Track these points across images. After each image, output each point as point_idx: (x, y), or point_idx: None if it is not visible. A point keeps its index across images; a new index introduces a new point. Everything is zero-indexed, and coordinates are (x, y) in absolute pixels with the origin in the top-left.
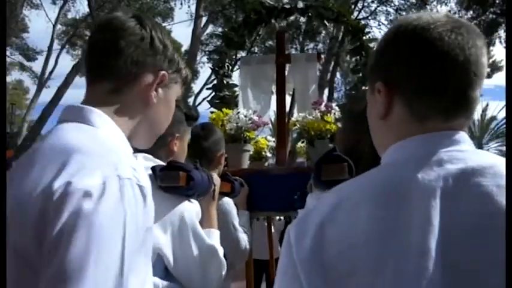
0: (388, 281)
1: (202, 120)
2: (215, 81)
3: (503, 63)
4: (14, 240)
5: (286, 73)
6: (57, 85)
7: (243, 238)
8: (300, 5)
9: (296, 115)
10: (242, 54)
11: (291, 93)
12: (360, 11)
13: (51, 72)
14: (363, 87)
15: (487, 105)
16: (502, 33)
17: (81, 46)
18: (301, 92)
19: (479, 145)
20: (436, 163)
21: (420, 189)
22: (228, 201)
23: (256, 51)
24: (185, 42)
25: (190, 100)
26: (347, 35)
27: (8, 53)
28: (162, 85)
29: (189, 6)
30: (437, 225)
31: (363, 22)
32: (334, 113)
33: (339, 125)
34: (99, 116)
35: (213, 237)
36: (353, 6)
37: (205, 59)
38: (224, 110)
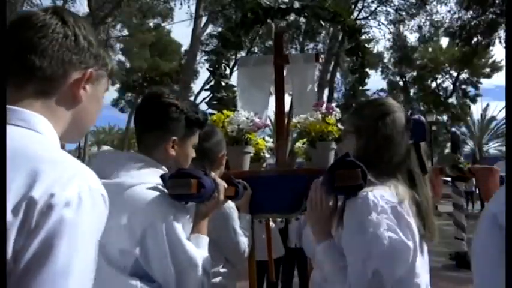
0: None
1: None
2: (212, 83)
3: (503, 63)
4: None
5: (284, 74)
6: None
7: (243, 241)
8: (296, 5)
9: (297, 116)
10: (242, 54)
11: (291, 93)
12: (359, 11)
13: None
14: (360, 88)
15: (487, 105)
16: (502, 33)
17: None
18: (299, 92)
19: (479, 145)
20: None
21: None
22: (229, 205)
23: (256, 51)
24: (185, 42)
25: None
26: (344, 35)
27: None
28: (90, 82)
29: (188, 6)
30: None
31: (359, 22)
32: (335, 115)
33: (340, 126)
34: (41, 121)
35: (200, 244)
36: (353, 6)
37: (205, 58)
38: (225, 111)
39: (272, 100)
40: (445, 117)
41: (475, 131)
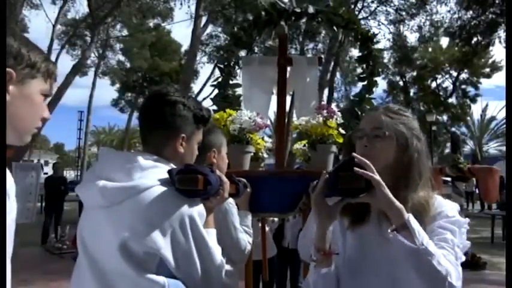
0: None
1: None
2: (220, 79)
3: (503, 63)
4: None
5: (287, 75)
6: (57, 85)
7: (243, 238)
8: (311, 9)
9: (297, 118)
10: (241, 53)
11: (291, 93)
12: (359, 11)
13: None
14: (367, 95)
15: (487, 105)
16: (501, 33)
17: (81, 46)
18: (301, 95)
19: (479, 145)
20: None
21: None
22: (228, 201)
23: (256, 51)
24: (185, 42)
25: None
26: (355, 42)
27: None
28: (14, 82)
29: (188, 7)
30: None
31: (372, 27)
32: (336, 118)
33: (341, 130)
34: None
35: (211, 237)
36: (353, 6)
37: (205, 59)
38: (228, 110)
39: (273, 100)
40: (445, 117)
41: (475, 131)
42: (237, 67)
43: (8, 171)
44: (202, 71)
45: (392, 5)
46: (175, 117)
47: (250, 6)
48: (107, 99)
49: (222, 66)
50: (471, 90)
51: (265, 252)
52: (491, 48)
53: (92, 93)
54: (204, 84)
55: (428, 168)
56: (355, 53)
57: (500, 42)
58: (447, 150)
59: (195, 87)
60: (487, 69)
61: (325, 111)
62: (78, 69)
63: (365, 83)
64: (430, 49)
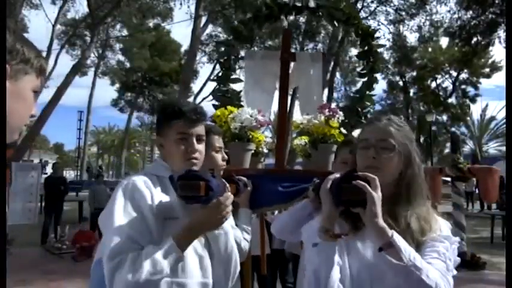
0: None
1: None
2: (220, 73)
3: (503, 63)
4: None
5: (290, 71)
6: (57, 85)
7: (238, 236)
8: (312, 4)
9: (299, 116)
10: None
11: (292, 91)
12: (359, 11)
13: (50, 72)
14: (367, 92)
15: (487, 105)
16: (501, 33)
17: (80, 46)
18: (305, 91)
19: (479, 145)
20: None
21: None
22: None
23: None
24: (185, 42)
25: (190, 100)
26: (356, 37)
27: None
28: (7, 77)
29: (188, 7)
30: None
31: (374, 27)
32: (338, 118)
33: (342, 130)
34: None
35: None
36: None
37: (205, 59)
38: (229, 107)
39: (275, 97)
40: (444, 117)
41: (475, 131)
42: (237, 62)
43: None
44: (202, 70)
45: (392, 5)
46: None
47: (250, 6)
48: (107, 99)
49: (222, 60)
50: (471, 90)
51: (263, 247)
52: (491, 48)
53: (92, 93)
54: (204, 84)
55: (426, 183)
56: (354, 52)
57: (500, 42)
58: (447, 150)
59: (195, 87)
60: (487, 69)
61: (327, 110)
62: (78, 69)
63: (365, 79)
64: (429, 49)
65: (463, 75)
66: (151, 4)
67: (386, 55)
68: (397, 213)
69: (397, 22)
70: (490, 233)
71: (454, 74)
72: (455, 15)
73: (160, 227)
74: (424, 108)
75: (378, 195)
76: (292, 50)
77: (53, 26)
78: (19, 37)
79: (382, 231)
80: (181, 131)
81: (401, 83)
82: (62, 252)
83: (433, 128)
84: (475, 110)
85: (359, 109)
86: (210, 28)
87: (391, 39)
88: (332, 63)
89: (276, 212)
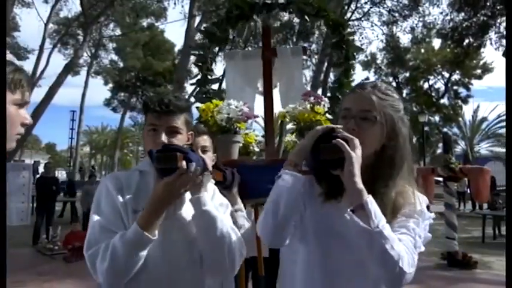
0: None
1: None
2: (199, 76)
3: (494, 64)
4: None
5: (272, 68)
6: (49, 84)
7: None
8: (281, 0)
9: (280, 109)
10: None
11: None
12: (353, 12)
13: (42, 72)
14: (346, 80)
15: (478, 106)
16: (492, 35)
17: (73, 45)
18: (286, 84)
19: (471, 145)
20: None
21: None
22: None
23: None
24: (178, 42)
25: (176, 93)
26: (328, 29)
27: None
28: None
29: (182, 6)
30: None
31: (344, 18)
32: (324, 105)
33: (328, 116)
34: None
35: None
36: (346, 7)
37: (191, 53)
38: (214, 101)
39: (258, 95)
40: (437, 118)
41: (467, 132)
42: (214, 63)
43: None
44: (196, 70)
45: (385, 6)
46: None
47: (235, 1)
48: (100, 99)
49: (200, 64)
50: (463, 91)
51: (259, 247)
52: (482, 50)
53: (85, 92)
54: (198, 83)
55: (411, 155)
56: None
57: (491, 44)
58: (439, 151)
59: (189, 86)
60: (479, 71)
61: (312, 97)
62: (70, 68)
63: (342, 68)
64: (422, 50)
65: (455, 77)
66: (145, 3)
67: (379, 56)
68: (376, 185)
69: (390, 23)
70: (481, 233)
71: (446, 75)
72: (448, 17)
73: (132, 219)
74: (417, 108)
75: (356, 155)
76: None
77: (45, 24)
78: None
79: (358, 191)
80: (150, 122)
81: (394, 83)
82: (54, 253)
83: (426, 128)
84: (467, 110)
85: (339, 97)
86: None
87: (384, 40)
88: (326, 63)
89: None
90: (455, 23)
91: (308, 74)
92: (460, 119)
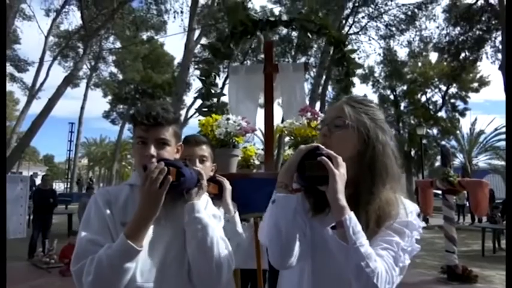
0: None
1: (193, 129)
2: (202, 90)
3: (491, 78)
4: None
5: (274, 83)
6: (48, 96)
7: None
8: (284, 17)
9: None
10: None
11: (280, 101)
12: (350, 26)
13: (42, 83)
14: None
15: (476, 119)
16: (488, 49)
17: (73, 58)
18: (288, 100)
19: (469, 158)
20: None
21: None
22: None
23: (249, 64)
24: (178, 55)
25: (182, 113)
26: (329, 46)
27: None
28: None
29: (182, 20)
30: None
31: (344, 33)
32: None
33: None
34: None
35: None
36: (344, 21)
37: (197, 71)
38: (213, 115)
39: (260, 109)
40: (434, 131)
41: (464, 145)
42: (218, 78)
43: None
44: (195, 83)
45: (382, 20)
46: None
47: (240, 18)
48: (99, 111)
49: (203, 78)
50: (460, 104)
51: (259, 259)
52: (478, 63)
53: (84, 104)
54: (197, 96)
55: (396, 164)
56: None
57: (487, 57)
58: (437, 164)
59: (188, 99)
60: (475, 84)
61: (309, 113)
62: (70, 80)
63: (342, 84)
64: (419, 64)
65: (452, 90)
66: (145, 17)
67: (377, 69)
68: (360, 197)
69: (387, 37)
70: (481, 246)
71: (444, 88)
72: (444, 31)
73: (120, 232)
74: (415, 121)
75: (340, 173)
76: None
77: (46, 37)
78: None
79: (340, 208)
80: (139, 135)
81: (392, 96)
82: (50, 266)
83: (424, 141)
84: (464, 123)
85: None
86: (203, 41)
87: (381, 54)
88: (324, 76)
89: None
90: (452, 37)
91: (306, 87)
92: (458, 131)
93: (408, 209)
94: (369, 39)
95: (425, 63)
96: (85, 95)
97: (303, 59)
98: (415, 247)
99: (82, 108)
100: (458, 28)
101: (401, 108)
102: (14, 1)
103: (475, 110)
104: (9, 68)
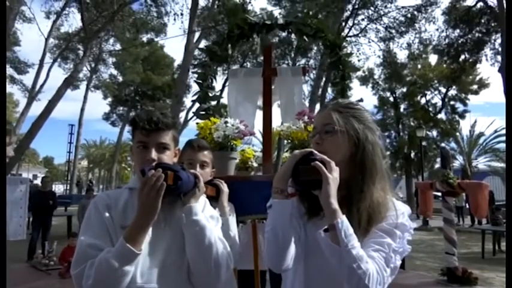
0: None
1: (192, 131)
2: (199, 93)
3: (490, 80)
4: None
5: (273, 86)
6: (48, 98)
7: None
8: (281, 21)
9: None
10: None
11: (279, 103)
12: (350, 29)
13: (42, 85)
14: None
15: (475, 121)
16: (488, 51)
17: (73, 60)
18: (286, 104)
19: (469, 160)
20: None
21: None
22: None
23: (248, 66)
24: (178, 57)
25: (182, 114)
26: (325, 49)
27: None
28: None
29: (182, 22)
30: None
31: (341, 37)
32: None
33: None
34: None
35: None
36: (344, 24)
37: (195, 75)
38: (212, 118)
39: (259, 112)
40: (434, 133)
41: (464, 147)
42: (215, 81)
43: None
44: (195, 85)
45: (382, 23)
46: None
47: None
48: (99, 113)
49: (200, 81)
50: (460, 106)
51: (257, 260)
52: (478, 65)
53: (84, 106)
54: (196, 98)
55: (385, 164)
56: None
57: (487, 60)
58: (437, 166)
59: (188, 101)
60: (475, 86)
61: (305, 117)
62: (70, 82)
63: (338, 87)
64: (419, 66)
65: (452, 92)
66: (145, 19)
67: (377, 71)
68: (352, 198)
69: (387, 40)
70: (481, 248)
71: (443, 90)
72: (444, 34)
73: (119, 236)
74: (415, 123)
75: (333, 177)
76: (284, 66)
77: (46, 39)
78: None
79: (332, 212)
80: (139, 140)
81: (391, 98)
82: (49, 268)
83: (423, 143)
84: (464, 125)
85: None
86: (203, 43)
87: (381, 56)
88: (323, 79)
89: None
90: (451, 40)
91: (306, 88)
92: (458, 134)
93: (400, 211)
94: (369, 42)
95: (425, 66)
96: (85, 97)
97: (303, 61)
98: (406, 248)
99: (82, 110)
100: (458, 30)
101: (401, 110)
102: (14, 3)
103: (474, 112)
104: (9, 70)
